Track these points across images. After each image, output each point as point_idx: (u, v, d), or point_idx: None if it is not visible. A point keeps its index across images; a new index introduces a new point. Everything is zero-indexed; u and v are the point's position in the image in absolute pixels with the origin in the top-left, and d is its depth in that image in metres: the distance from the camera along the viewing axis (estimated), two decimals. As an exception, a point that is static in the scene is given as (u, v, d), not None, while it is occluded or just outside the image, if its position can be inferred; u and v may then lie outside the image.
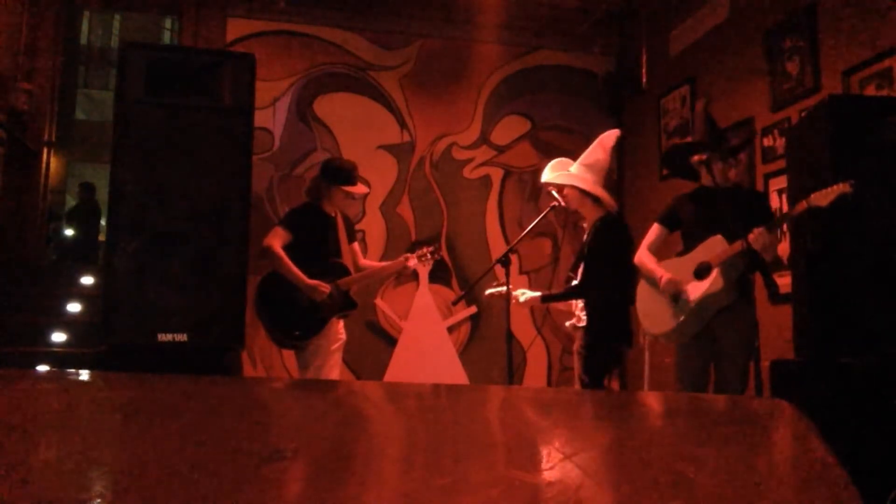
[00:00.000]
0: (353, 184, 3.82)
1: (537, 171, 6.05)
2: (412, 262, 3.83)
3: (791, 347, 3.26)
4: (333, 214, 3.84)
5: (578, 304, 3.42)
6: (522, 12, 5.87)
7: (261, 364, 5.29)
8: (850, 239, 2.86)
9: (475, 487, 0.67)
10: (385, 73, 5.86)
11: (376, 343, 5.55)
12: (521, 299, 3.40)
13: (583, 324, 3.35)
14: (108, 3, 8.59)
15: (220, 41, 5.52)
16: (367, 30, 5.85)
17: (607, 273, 3.28)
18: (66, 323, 4.94)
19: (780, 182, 4.10)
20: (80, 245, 8.74)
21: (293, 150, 5.61)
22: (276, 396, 1.24)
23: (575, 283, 3.43)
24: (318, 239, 3.75)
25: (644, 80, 5.77)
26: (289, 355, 4.94)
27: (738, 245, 2.94)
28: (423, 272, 5.64)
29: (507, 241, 5.78)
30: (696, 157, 3.15)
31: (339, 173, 3.80)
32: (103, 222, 8.72)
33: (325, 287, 3.61)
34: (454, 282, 5.75)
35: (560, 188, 3.48)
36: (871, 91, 3.74)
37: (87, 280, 5.52)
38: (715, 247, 3.06)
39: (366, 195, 5.41)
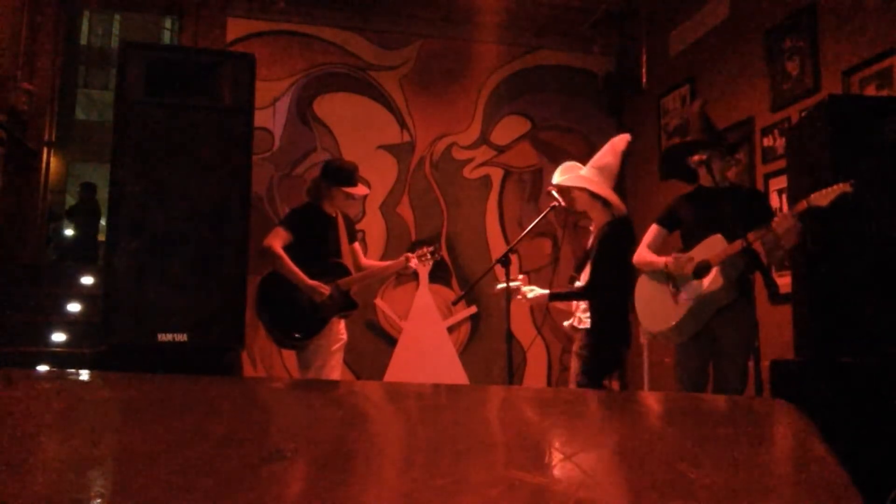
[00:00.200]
0: (354, 185, 3.82)
1: (537, 171, 6.08)
2: (413, 261, 3.83)
3: (791, 347, 3.26)
4: (334, 215, 3.84)
5: (580, 306, 3.43)
6: (522, 12, 5.86)
7: (261, 364, 5.29)
8: (850, 239, 2.86)
9: (475, 487, 0.67)
10: (385, 73, 5.86)
11: (376, 343, 5.54)
12: (530, 296, 3.41)
13: (584, 325, 3.36)
14: (108, 3, 8.60)
15: (220, 41, 5.52)
16: (367, 30, 5.85)
17: (614, 276, 3.29)
18: (66, 323, 4.94)
19: (780, 182, 4.10)
20: (80, 245, 8.73)
21: (293, 150, 5.61)
22: (276, 396, 1.24)
23: (578, 284, 3.44)
24: (318, 239, 3.75)
25: (644, 80, 5.77)
26: (289, 355, 4.94)
27: (738, 244, 2.94)
28: (423, 272, 5.64)
29: (507, 241, 5.78)
30: (695, 157, 3.15)
31: (340, 174, 3.80)
32: (103, 222, 8.71)
33: (325, 287, 3.61)
34: (454, 282, 5.75)
35: (569, 190, 3.50)
36: (871, 91, 3.74)
37: (87, 280, 5.52)
38: (714, 246, 3.06)
39: (366, 196, 5.41)
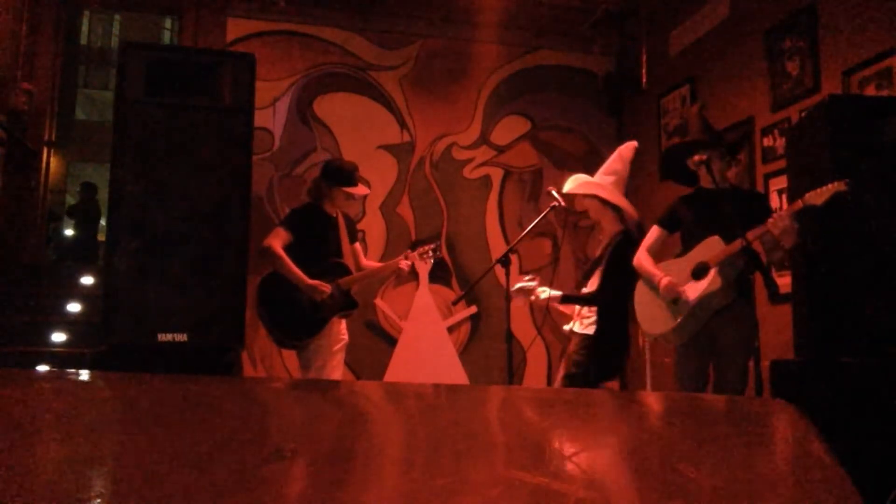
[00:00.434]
0: (354, 184, 3.82)
1: (537, 171, 6.08)
2: (412, 257, 3.82)
3: (791, 347, 3.26)
4: (334, 215, 3.84)
5: (583, 311, 3.47)
6: (522, 12, 5.86)
7: (261, 364, 5.29)
8: (850, 239, 2.86)
9: (475, 487, 0.67)
10: (385, 73, 5.86)
11: (376, 343, 5.54)
12: (543, 296, 3.45)
13: (584, 330, 3.40)
14: (108, 3, 8.60)
15: (220, 41, 5.52)
16: (367, 30, 5.85)
17: (624, 286, 3.36)
18: (66, 323, 4.94)
19: (780, 182, 4.10)
20: (80, 245, 8.74)
21: (293, 150, 5.61)
22: (276, 396, 1.24)
23: (585, 290, 3.50)
24: (318, 239, 3.75)
25: (644, 80, 5.77)
26: (289, 355, 4.94)
27: (737, 244, 2.94)
28: (423, 272, 5.64)
29: (507, 241, 5.78)
30: (695, 158, 3.15)
31: (340, 174, 3.80)
32: (103, 222, 8.71)
33: (326, 287, 3.60)
34: (454, 282, 5.75)
35: (580, 199, 3.58)
36: (871, 91, 3.74)
37: (87, 280, 5.52)
38: (712, 247, 3.06)
39: (366, 196, 5.41)
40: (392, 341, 5.58)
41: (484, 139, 5.99)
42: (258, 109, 4.30)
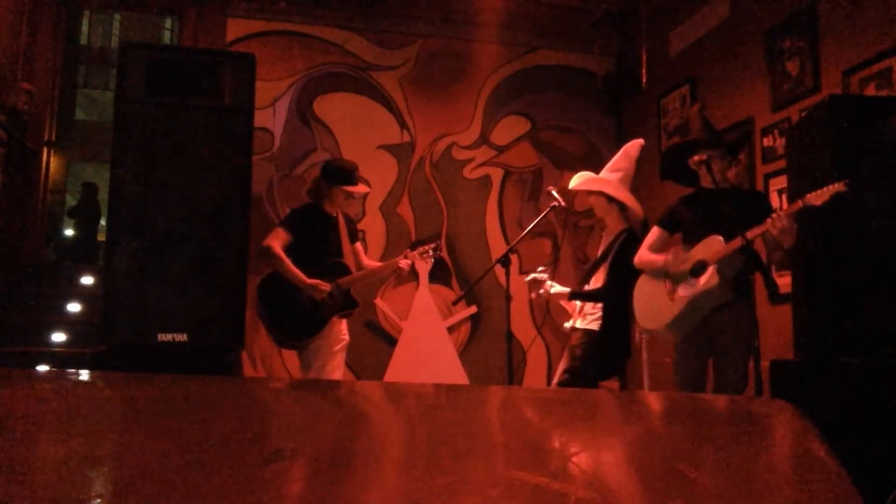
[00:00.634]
0: (354, 184, 3.82)
1: (537, 171, 6.08)
2: (412, 256, 3.83)
3: (791, 347, 3.26)
4: (335, 215, 3.84)
5: (586, 307, 3.48)
6: (522, 12, 5.86)
7: (261, 364, 5.29)
8: (850, 239, 2.86)
9: (475, 487, 0.67)
10: (385, 73, 5.86)
11: (376, 343, 5.54)
12: (552, 291, 3.48)
13: (587, 325, 3.41)
14: (108, 3, 8.59)
15: (220, 41, 5.52)
16: (367, 30, 5.85)
17: (627, 285, 3.37)
18: (66, 323, 4.94)
19: (780, 182, 4.10)
20: (80, 245, 8.73)
21: (293, 150, 5.61)
22: (276, 396, 1.24)
23: (588, 288, 3.51)
24: (319, 239, 3.75)
25: (644, 80, 5.77)
26: (289, 355, 4.94)
27: (737, 242, 2.94)
28: (424, 272, 5.64)
29: (507, 241, 5.78)
30: (696, 157, 3.15)
31: (340, 174, 3.80)
32: (103, 222, 8.71)
33: (325, 286, 3.60)
34: (454, 282, 5.75)
35: (585, 196, 3.59)
36: (871, 91, 3.74)
37: (87, 280, 5.52)
38: (712, 245, 3.06)
39: (366, 195, 5.41)
40: (392, 341, 5.58)
41: (484, 139, 5.99)
42: (258, 109, 4.30)
